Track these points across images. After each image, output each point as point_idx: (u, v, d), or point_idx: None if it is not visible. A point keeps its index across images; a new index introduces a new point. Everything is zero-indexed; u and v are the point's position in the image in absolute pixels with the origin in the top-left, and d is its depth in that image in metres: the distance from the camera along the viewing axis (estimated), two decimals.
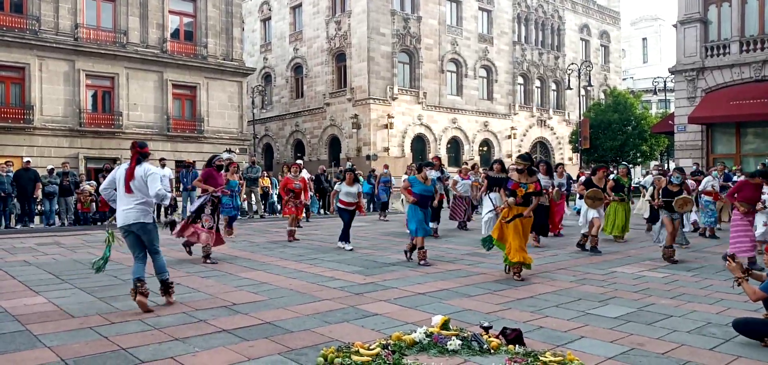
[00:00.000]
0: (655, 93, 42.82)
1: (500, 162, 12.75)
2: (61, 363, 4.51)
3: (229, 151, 17.66)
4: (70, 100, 25.14)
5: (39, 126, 24.31)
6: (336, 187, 12.06)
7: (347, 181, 11.28)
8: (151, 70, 27.18)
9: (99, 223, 17.30)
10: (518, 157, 8.53)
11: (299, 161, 16.40)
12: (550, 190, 12.22)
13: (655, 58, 66.97)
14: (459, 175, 15.42)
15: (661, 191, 10.41)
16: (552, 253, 10.84)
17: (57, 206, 17.08)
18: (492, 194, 11.98)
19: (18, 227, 16.24)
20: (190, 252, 9.91)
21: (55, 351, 4.80)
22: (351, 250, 10.92)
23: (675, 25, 25.53)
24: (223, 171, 10.75)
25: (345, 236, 11.20)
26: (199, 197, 9.83)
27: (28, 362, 4.54)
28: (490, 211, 11.85)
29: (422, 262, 9.22)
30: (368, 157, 35.22)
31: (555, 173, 13.35)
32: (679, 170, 11.00)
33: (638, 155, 37.90)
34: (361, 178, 20.56)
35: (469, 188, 14.84)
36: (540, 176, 11.45)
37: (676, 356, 4.79)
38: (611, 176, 12.88)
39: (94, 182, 18.63)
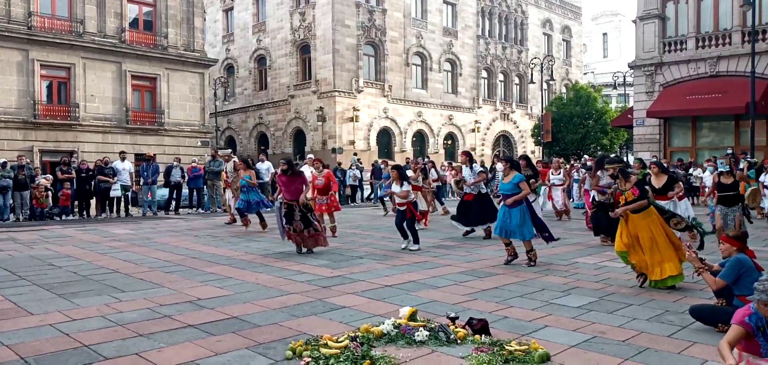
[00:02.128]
0: (615, 87, 43.86)
1: (526, 158, 12.55)
2: (20, 362, 4.39)
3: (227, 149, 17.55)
4: (24, 91, 24.30)
5: None
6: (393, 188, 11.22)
7: (393, 177, 10.65)
8: (109, 60, 26.46)
9: (60, 217, 16.79)
10: (609, 160, 7.82)
11: (310, 156, 16.01)
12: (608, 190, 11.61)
13: (615, 53, 68.41)
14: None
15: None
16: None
17: (11, 201, 16.51)
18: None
19: None
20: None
21: (14, 349, 4.66)
22: (417, 250, 10.10)
23: (634, 21, 26.18)
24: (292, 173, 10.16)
25: (410, 235, 10.39)
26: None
27: None
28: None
29: (533, 263, 8.58)
30: (334, 150, 35.10)
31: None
32: (731, 156, 10.30)
33: (599, 148, 38.75)
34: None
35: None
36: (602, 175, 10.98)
37: (636, 343, 4.94)
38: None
39: (50, 176, 18.08)
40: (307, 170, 14.84)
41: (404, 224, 10.34)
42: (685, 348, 4.80)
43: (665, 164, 13.56)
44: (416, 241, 10.31)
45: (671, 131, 25.36)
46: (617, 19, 70.50)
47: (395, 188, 10.52)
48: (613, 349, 4.78)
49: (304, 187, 10.06)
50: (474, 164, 12.30)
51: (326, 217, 12.31)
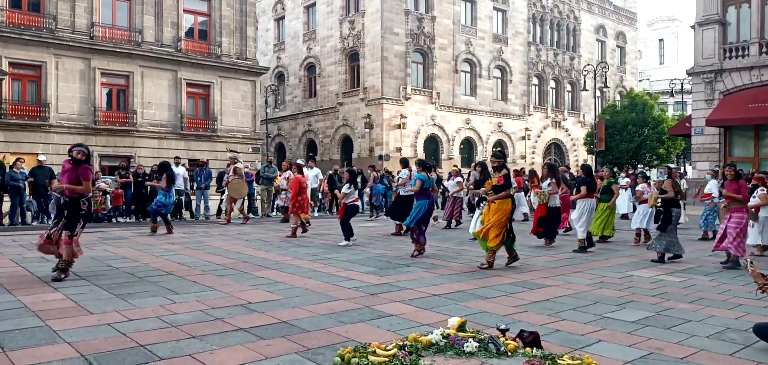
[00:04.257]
0: (672, 95, 42.48)
1: (481, 164, 13.91)
2: (81, 359, 4.54)
3: (233, 152, 18.29)
4: (86, 98, 25.40)
5: (55, 124, 24.58)
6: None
7: (345, 179, 12.71)
8: (165, 68, 27.40)
9: (114, 219, 17.40)
10: (494, 154, 9.70)
11: (299, 161, 16.56)
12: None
13: (672, 59, 66.28)
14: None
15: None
16: (567, 256, 10.77)
17: None
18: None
19: (34, 224, 16.40)
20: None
21: (75, 346, 4.84)
22: (345, 245, 11.74)
23: (693, 27, 25.30)
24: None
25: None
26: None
27: (48, 356, 4.58)
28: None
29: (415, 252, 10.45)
30: (381, 157, 35.22)
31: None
32: (667, 168, 11.58)
33: (655, 158, 37.55)
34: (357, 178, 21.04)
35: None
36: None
37: (695, 361, 4.73)
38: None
39: (109, 179, 18.77)
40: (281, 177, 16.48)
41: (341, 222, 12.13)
42: None
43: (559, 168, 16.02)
44: (346, 238, 11.93)
45: (732, 141, 24.35)
46: (674, 25, 68.27)
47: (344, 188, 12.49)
48: None
49: (80, 182, 7.65)
50: (404, 169, 14.69)
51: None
